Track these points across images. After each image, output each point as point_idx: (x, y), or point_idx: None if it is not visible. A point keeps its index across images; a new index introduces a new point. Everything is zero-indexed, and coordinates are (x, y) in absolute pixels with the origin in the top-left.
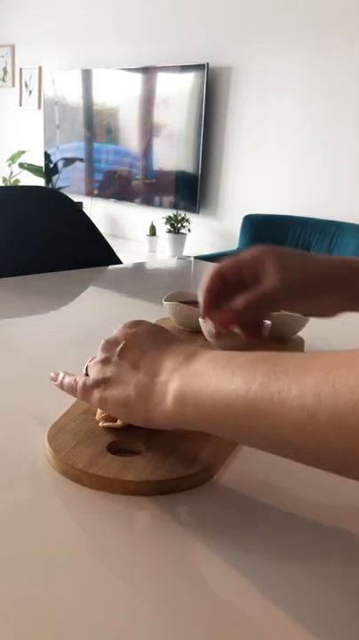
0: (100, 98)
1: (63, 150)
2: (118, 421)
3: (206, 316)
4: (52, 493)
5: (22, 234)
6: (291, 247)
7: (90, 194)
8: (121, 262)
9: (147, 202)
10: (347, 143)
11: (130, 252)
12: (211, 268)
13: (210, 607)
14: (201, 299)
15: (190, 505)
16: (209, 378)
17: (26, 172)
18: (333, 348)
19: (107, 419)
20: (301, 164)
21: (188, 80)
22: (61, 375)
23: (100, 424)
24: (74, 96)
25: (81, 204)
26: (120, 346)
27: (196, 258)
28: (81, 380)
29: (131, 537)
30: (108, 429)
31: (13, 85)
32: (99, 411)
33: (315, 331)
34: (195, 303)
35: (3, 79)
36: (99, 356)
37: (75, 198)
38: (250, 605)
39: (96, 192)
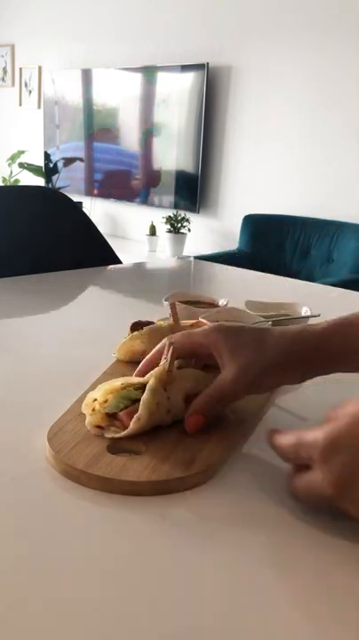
0: (100, 98)
1: (63, 150)
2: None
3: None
4: (52, 493)
5: (22, 234)
6: (291, 247)
7: (90, 194)
8: (121, 262)
9: (147, 202)
10: (347, 143)
11: (130, 252)
12: (163, 342)
13: (209, 607)
14: (141, 365)
15: (190, 505)
16: None
17: (25, 171)
18: None
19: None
20: (301, 164)
21: (188, 80)
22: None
23: (93, 432)
24: (74, 96)
25: (81, 203)
26: None
27: (196, 258)
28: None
29: (131, 537)
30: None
31: (13, 85)
32: (91, 417)
33: None
34: (195, 303)
35: (3, 79)
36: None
37: (75, 198)
38: (249, 605)
39: (96, 192)
